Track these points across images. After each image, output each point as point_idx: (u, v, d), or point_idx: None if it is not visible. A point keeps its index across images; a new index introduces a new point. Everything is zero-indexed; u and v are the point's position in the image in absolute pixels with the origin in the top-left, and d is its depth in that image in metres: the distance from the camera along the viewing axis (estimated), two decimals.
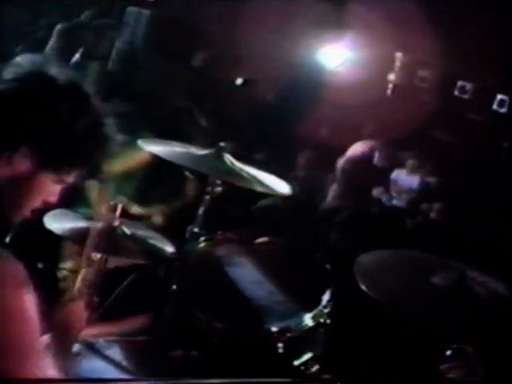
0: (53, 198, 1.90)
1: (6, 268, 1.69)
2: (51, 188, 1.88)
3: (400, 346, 3.47)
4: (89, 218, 3.17)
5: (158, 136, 3.43)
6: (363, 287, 2.66)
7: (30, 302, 1.69)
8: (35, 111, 1.77)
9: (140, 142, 3.21)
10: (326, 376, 2.89)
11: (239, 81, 3.43)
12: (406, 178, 4.40)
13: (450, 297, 2.69)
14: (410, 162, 4.35)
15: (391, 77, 5.82)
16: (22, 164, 1.79)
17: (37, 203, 1.88)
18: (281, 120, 4.37)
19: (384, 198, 4.33)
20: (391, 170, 4.36)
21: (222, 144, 3.27)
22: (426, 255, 3.07)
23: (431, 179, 4.63)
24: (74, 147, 1.83)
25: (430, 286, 2.75)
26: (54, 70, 1.86)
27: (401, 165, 4.37)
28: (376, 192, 4.38)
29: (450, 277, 2.76)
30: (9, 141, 1.77)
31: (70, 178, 1.88)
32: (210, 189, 3.28)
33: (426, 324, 2.75)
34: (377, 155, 4.01)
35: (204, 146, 3.34)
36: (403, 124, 4.41)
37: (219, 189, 3.27)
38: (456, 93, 5.75)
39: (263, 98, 4.74)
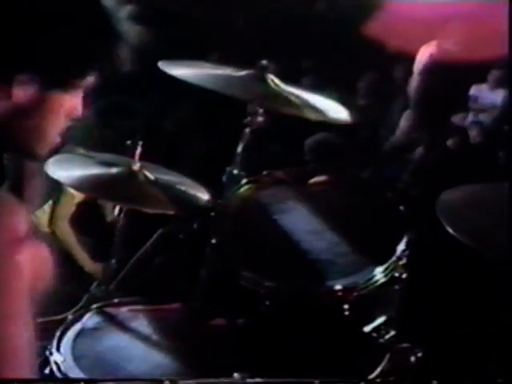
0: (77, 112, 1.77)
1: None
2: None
3: (494, 302, 3.09)
4: (102, 163, 2.84)
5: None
6: (449, 230, 2.37)
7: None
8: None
9: (161, 64, 2.84)
10: (404, 344, 2.64)
11: None
12: (487, 94, 3.93)
13: None
14: (492, 74, 3.86)
15: None
16: None
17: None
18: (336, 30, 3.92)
19: (467, 122, 3.87)
20: (469, 83, 3.90)
21: (264, 62, 2.91)
22: None
23: None
24: None
25: None
26: None
27: (481, 78, 3.89)
28: (457, 118, 3.93)
29: None
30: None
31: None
32: (250, 119, 2.94)
33: None
34: (449, 58, 3.58)
35: (242, 66, 2.99)
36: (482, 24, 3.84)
37: (261, 119, 2.94)
38: None
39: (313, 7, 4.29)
